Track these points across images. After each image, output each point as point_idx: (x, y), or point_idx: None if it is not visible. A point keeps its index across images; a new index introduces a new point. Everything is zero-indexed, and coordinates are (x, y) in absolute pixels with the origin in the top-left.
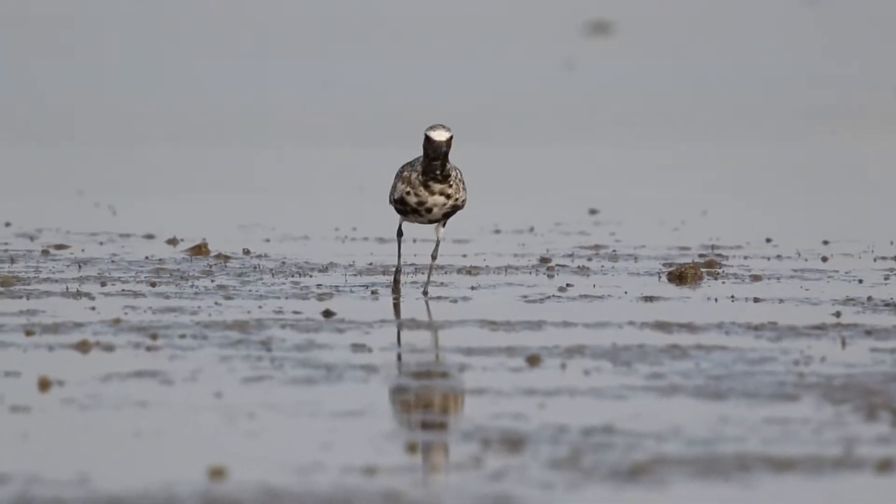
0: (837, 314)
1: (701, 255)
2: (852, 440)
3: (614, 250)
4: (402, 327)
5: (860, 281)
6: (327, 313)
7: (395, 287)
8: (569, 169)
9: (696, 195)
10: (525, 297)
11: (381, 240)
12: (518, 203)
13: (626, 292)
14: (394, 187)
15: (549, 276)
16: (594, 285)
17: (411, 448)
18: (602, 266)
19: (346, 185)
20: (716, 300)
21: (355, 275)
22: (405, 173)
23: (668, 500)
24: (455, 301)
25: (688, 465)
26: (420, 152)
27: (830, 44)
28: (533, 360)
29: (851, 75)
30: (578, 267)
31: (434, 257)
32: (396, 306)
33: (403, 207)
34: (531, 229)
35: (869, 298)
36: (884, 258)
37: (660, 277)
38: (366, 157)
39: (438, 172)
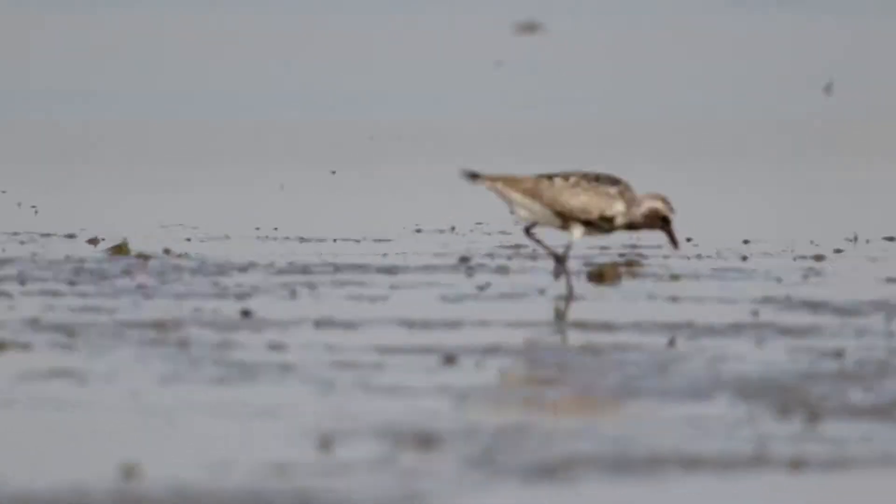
0: (755, 313)
1: (621, 255)
2: (766, 438)
3: (534, 249)
4: (319, 326)
5: (779, 280)
6: (245, 313)
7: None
8: (490, 167)
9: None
10: (444, 296)
11: (302, 239)
12: (440, 202)
13: (544, 292)
14: (605, 202)
15: (468, 275)
16: (513, 285)
17: (325, 445)
18: (522, 266)
19: (268, 184)
20: (634, 300)
21: (275, 274)
22: (628, 195)
23: (580, 497)
24: (373, 300)
25: (600, 463)
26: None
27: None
28: (449, 359)
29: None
30: (498, 266)
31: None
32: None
33: (603, 224)
34: (453, 229)
35: (787, 297)
36: (803, 257)
37: (579, 277)
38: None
39: (636, 229)
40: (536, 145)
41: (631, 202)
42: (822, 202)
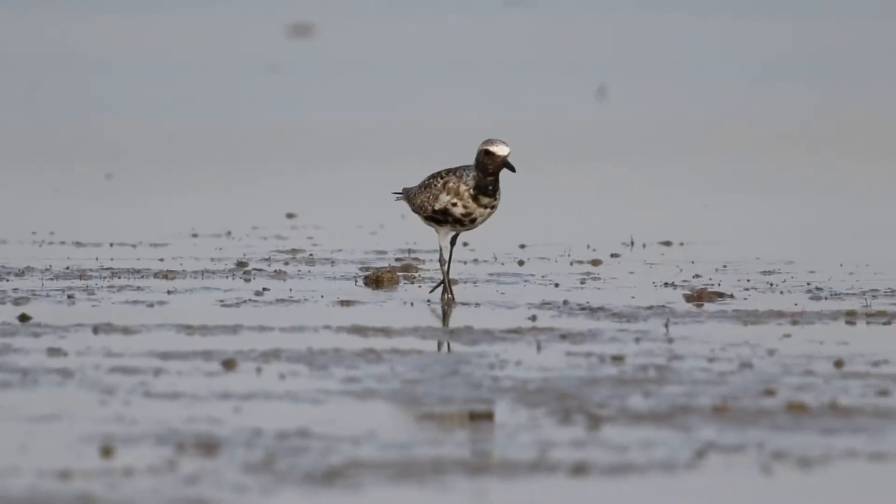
0: (533, 318)
1: (398, 259)
2: (548, 444)
3: (311, 254)
4: (98, 331)
5: (556, 285)
6: (23, 317)
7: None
8: (267, 172)
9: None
10: (222, 301)
11: (79, 244)
12: (216, 207)
13: (322, 296)
14: (432, 197)
15: (245, 280)
16: (291, 289)
17: (106, 452)
18: (299, 270)
19: (42, 188)
20: (412, 304)
21: (52, 279)
22: (451, 184)
23: (363, 503)
24: (151, 305)
25: (383, 469)
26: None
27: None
28: (228, 364)
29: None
30: (275, 271)
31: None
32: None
33: (444, 218)
34: (229, 233)
35: (565, 302)
36: (580, 262)
37: (356, 281)
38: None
39: (491, 187)
40: (314, 148)
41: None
42: (599, 207)
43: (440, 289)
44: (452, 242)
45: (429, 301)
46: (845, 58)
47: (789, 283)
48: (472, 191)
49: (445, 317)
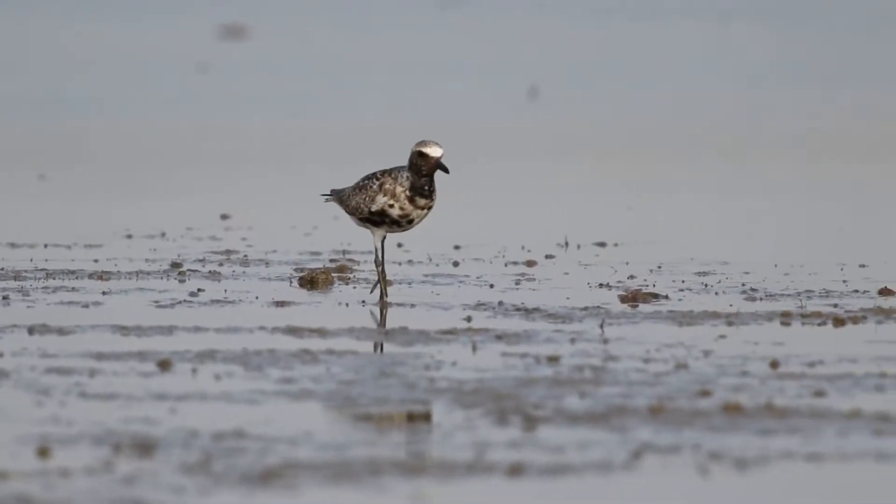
0: (468, 319)
1: (332, 261)
2: (484, 444)
3: (246, 255)
4: (33, 332)
5: (491, 286)
6: None
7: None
8: (200, 173)
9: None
10: (156, 301)
11: (13, 245)
12: (149, 207)
13: (257, 297)
14: (368, 199)
15: (180, 281)
16: (225, 290)
17: (42, 452)
18: (233, 271)
19: None
20: (347, 305)
21: None
22: (387, 185)
23: (300, 503)
24: (86, 306)
25: (319, 470)
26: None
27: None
28: (164, 365)
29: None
30: (210, 272)
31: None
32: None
33: (381, 219)
34: (163, 234)
35: (500, 303)
36: (515, 263)
37: (291, 282)
38: None
39: (427, 188)
40: (246, 149)
41: None
42: (533, 208)
43: (377, 290)
44: (382, 242)
45: (364, 302)
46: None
47: (724, 283)
48: (408, 192)
49: (381, 318)
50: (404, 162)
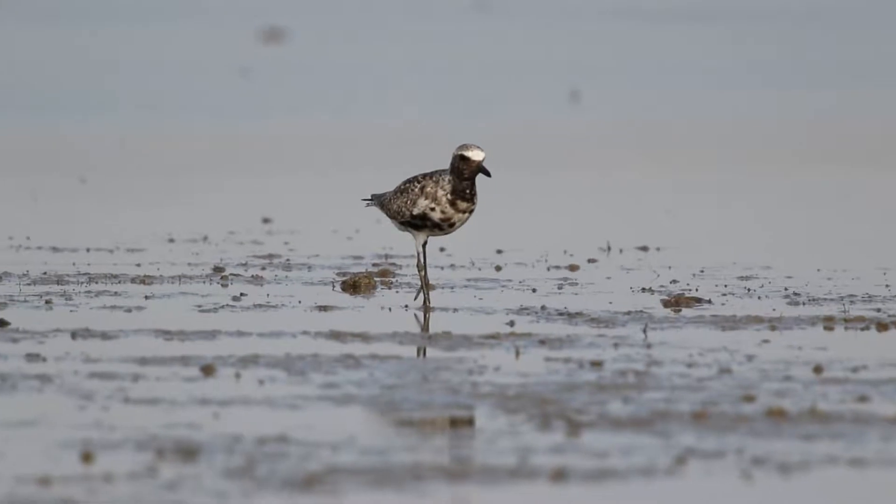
0: (511, 323)
1: (374, 265)
2: (527, 450)
3: (288, 259)
4: (76, 336)
5: (534, 290)
6: (1, 323)
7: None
8: (241, 176)
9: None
10: (199, 306)
11: (55, 249)
12: (191, 211)
13: (300, 301)
14: (410, 202)
15: (223, 285)
16: (268, 295)
17: (85, 458)
18: (276, 275)
19: (19, 193)
20: (389, 309)
21: (29, 284)
22: (429, 189)
23: None
24: (129, 310)
25: (362, 475)
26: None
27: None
28: (207, 370)
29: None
30: (252, 276)
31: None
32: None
33: (422, 223)
34: (205, 238)
35: (542, 308)
36: (557, 267)
37: (334, 286)
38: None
39: (468, 191)
40: (288, 153)
41: None
42: (575, 212)
43: (421, 295)
44: (424, 246)
45: (406, 306)
46: (836, 64)
47: (767, 288)
48: (449, 196)
49: (424, 322)
50: (446, 167)
